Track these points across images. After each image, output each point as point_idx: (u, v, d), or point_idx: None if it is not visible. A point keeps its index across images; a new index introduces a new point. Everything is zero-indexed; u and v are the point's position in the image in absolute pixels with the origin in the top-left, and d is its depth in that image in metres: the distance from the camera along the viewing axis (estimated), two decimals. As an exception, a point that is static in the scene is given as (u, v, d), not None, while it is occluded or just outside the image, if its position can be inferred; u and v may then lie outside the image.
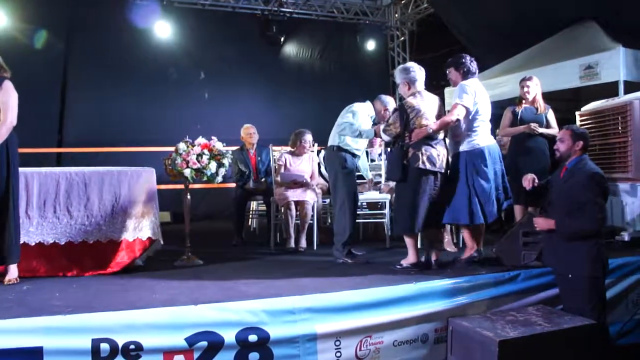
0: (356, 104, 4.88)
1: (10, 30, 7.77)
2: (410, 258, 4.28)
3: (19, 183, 3.95)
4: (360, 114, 4.78)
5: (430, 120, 4.22)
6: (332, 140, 4.87)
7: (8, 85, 3.89)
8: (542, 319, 3.48)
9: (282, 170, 5.67)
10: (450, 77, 4.48)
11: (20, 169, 3.97)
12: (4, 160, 3.81)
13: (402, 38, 10.59)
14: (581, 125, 5.62)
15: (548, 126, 5.13)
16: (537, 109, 5.12)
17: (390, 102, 4.92)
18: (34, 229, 4.13)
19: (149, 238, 4.42)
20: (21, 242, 3.96)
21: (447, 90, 8.22)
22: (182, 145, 4.48)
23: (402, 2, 10.29)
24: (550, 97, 5.61)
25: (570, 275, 3.66)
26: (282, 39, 9.65)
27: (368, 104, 4.91)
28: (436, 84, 10.22)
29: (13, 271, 3.89)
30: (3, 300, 3.36)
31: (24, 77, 7.59)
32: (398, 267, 4.28)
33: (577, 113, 5.75)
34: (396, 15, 10.55)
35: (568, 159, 3.83)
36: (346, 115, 4.80)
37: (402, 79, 4.33)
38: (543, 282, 4.01)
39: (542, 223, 3.86)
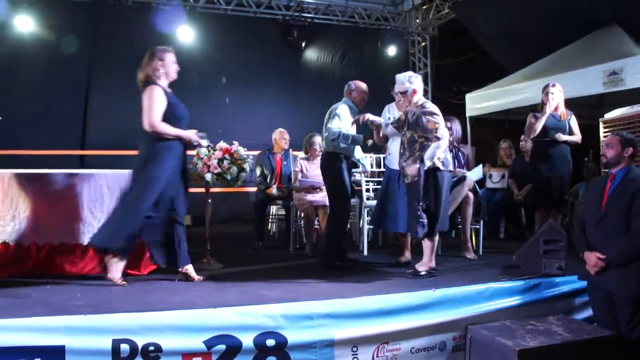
0: (338, 107, 4.82)
1: (38, 35, 7.93)
2: (426, 263, 4.26)
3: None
4: (344, 116, 4.76)
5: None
6: (326, 146, 4.87)
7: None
8: (563, 328, 3.44)
9: (299, 176, 5.69)
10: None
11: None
12: None
13: (423, 43, 10.56)
14: (604, 132, 5.54)
15: (571, 133, 5.08)
16: (560, 116, 5.07)
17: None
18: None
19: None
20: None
21: (468, 96, 8.18)
22: (203, 150, 4.53)
23: (424, 7, 10.25)
24: (573, 104, 5.55)
25: (612, 295, 3.45)
26: (303, 44, 9.69)
27: (345, 104, 4.87)
28: (457, 89, 10.19)
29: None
30: (26, 299, 3.43)
31: (50, 81, 7.82)
32: (410, 270, 4.29)
33: (600, 120, 5.68)
34: (417, 20, 10.52)
35: (615, 166, 3.60)
36: (332, 120, 4.74)
37: (413, 87, 4.32)
38: (564, 291, 3.97)
39: (594, 261, 3.50)
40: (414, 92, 4.31)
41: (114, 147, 8.14)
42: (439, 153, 4.15)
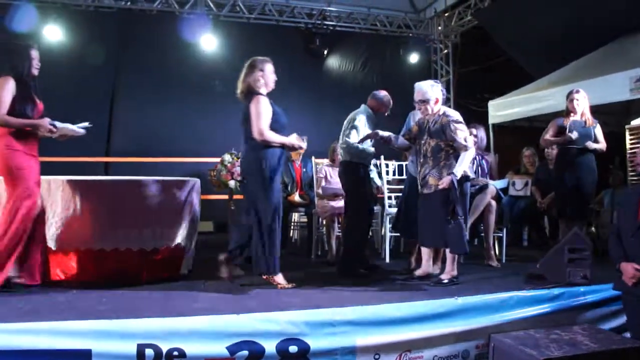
0: (357, 117, 4.81)
1: (65, 45, 8.10)
2: (449, 271, 4.24)
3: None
4: (361, 128, 4.75)
5: None
6: (343, 155, 4.86)
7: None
8: (589, 338, 3.37)
9: (323, 183, 5.70)
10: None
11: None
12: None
13: (445, 51, 10.52)
14: (630, 139, 5.46)
15: (596, 140, 5.01)
16: (585, 122, 5.00)
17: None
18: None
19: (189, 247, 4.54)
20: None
21: (490, 103, 8.13)
22: (227, 157, 4.59)
23: (446, 14, 10.22)
24: (598, 111, 5.47)
25: None
26: (326, 52, 9.72)
27: (364, 114, 4.85)
28: (480, 97, 10.12)
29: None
30: (54, 303, 3.50)
31: (77, 88, 7.97)
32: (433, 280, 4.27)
33: (626, 127, 5.59)
34: (439, 28, 10.48)
35: None
36: (350, 132, 4.75)
37: (435, 95, 4.30)
38: (590, 300, 3.91)
39: (632, 272, 3.37)
40: (436, 100, 4.30)
41: (139, 154, 8.26)
42: (468, 162, 4.14)
